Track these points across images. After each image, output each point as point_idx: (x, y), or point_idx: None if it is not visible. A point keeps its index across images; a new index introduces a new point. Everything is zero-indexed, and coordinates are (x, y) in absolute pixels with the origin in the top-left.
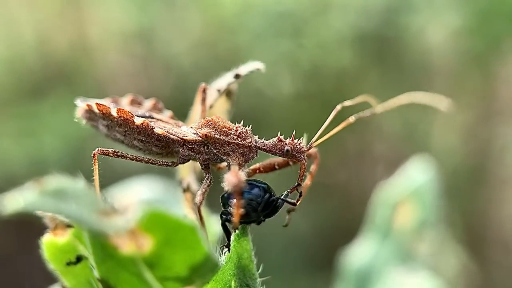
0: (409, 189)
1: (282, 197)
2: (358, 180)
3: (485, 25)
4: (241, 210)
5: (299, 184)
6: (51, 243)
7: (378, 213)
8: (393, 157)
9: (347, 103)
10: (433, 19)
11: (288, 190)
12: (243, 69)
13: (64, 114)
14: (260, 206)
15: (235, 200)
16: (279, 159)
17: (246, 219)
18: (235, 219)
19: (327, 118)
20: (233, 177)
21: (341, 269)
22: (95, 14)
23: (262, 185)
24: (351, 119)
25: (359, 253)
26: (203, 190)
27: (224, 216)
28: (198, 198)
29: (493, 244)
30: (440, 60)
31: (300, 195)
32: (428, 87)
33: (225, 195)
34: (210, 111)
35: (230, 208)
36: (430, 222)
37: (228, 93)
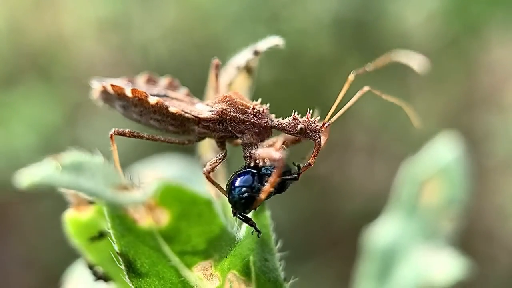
0: (437, 166)
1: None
2: (339, 170)
3: (462, 9)
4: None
5: (310, 164)
6: (74, 219)
7: (405, 190)
8: (373, 146)
9: (360, 71)
10: (411, 3)
11: (299, 171)
12: (262, 45)
13: (36, 104)
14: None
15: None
16: (290, 137)
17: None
18: (264, 193)
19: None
20: (275, 151)
21: (366, 248)
22: (69, 3)
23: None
24: (364, 88)
25: (385, 231)
26: (214, 160)
27: (234, 211)
28: (207, 167)
29: (476, 234)
30: (420, 45)
31: (300, 168)
32: (406, 73)
33: (230, 181)
34: (230, 88)
35: (241, 194)
36: (458, 200)
37: (248, 69)
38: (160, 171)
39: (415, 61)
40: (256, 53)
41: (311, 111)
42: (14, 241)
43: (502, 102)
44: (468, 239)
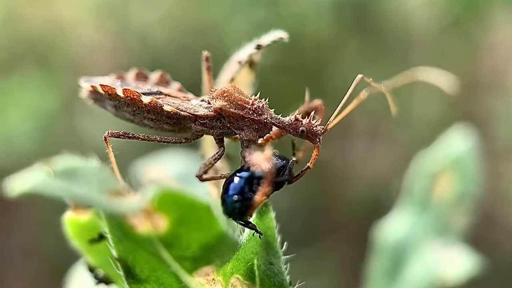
0: (449, 158)
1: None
2: (340, 156)
3: None
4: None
5: (309, 168)
6: (73, 221)
7: (416, 184)
8: (374, 131)
9: (366, 78)
10: None
11: (299, 173)
12: (265, 39)
13: (34, 91)
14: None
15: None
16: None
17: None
18: (256, 202)
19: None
20: (264, 161)
21: (376, 243)
22: None
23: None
24: (362, 95)
25: (396, 226)
26: (208, 162)
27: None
28: (199, 171)
29: (478, 219)
30: (421, 28)
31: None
32: (408, 56)
33: (223, 190)
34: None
35: (233, 203)
36: (471, 194)
37: (251, 64)
38: (164, 168)
39: (443, 79)
40: (259, 47)
41: (313, 113)
42: (16, 230)
43: (504, 84)
44: (470, 225)
